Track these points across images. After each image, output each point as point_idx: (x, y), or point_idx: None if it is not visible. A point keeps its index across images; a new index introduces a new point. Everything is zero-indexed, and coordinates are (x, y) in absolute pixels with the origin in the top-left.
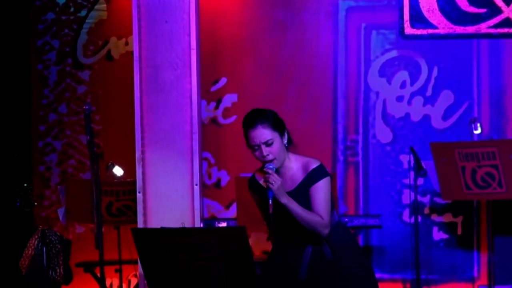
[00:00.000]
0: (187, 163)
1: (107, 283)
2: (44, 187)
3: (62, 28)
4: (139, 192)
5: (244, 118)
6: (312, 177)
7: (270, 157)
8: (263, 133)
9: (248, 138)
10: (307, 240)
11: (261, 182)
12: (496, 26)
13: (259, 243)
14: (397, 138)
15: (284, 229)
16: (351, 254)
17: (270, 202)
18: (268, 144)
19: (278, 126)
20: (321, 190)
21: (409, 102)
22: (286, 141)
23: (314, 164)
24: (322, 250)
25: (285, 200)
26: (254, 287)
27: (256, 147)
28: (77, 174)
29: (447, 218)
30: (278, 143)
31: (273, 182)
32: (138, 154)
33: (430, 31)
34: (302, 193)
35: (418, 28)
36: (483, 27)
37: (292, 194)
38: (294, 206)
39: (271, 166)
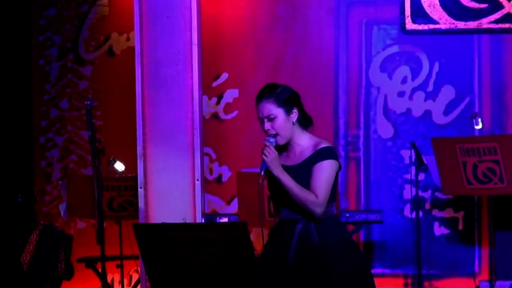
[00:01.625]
0: (189, 159)
1: (109, 278)
2: (45, 183)
3: (63, 24)
4: (140, 188)
5: (260, 90)
6: (319, 155)
7: (272, 132)
8: (266, 108)
9: (256, 110)
10: (299, 217)
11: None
12: (497, 21)
13: (260, 238)
14: (398, 133)
15: (280, 205)
16: (341, 247)
17: (262, 174)
18: (270, 118)
19: (285, 103)
20: (323, 170)
21: (410, 97)
22: (295, 119)
23: (325, 145)
24: (309, 234)
25: (278, 172)
26: (255, 282)
27: (261, 120)
28: (79, 170)
29: (448, 213)
30: (281, 119)
31: (267, 154)
32: (139, 150)
33: (431, 26)
34: (306, 168)
35: (419, 24)
36: (484, 23)
37: (296, 168)
38: (287, 180)
39: (271, 140)
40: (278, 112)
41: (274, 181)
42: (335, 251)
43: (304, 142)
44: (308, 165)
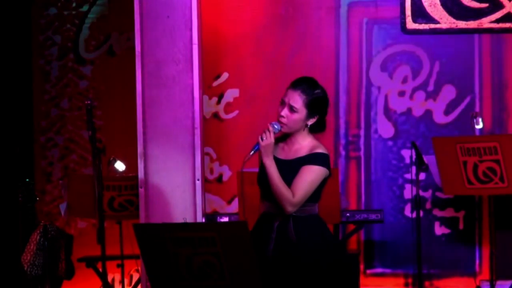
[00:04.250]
0: (189, 158)
1: (109, 278)
2: (46, 182)
3: (64, 23)
4: (141, 187)
5: (300, 77)
6: (312, 158)
7: (284, 120)
8: (295, 99)
9: (285, 93)
10: (278, 212)
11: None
12: (497, 21)
13: None
14: (399, 133)
15: (264, 197)
16: (319, 246)
17: (251, 153)
18: (291, 109)
19: (313, 107)
20: (310, 173)
21: (411, 97)
22: (310, 123)
23: (321, 150)
24: (287, 231)
25: (268, 160)
26: (256, 282)
27: (282, 103)
28: (79, 169)
29: (448, 213)
30: (298, 116)
31: (265, 138)
32: (140, 149)
33: (432, 26)
34: (296, 166)
35: (420, 23)
36: (485, 22)
37: (287, 163)
38: (273, 170)
39: (276, 126)
40: (301, 109)
41: (262, 173)
42: (313, 249)
43: (305, 143)
44: (299, 164)
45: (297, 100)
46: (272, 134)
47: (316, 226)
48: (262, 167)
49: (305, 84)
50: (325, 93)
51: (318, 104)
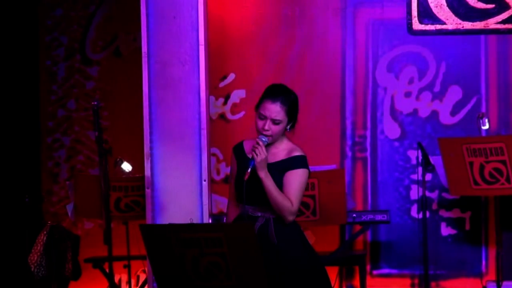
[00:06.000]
0: (196, 159)
1: (116, 278)
2: (52, 183)
3: (70, 24)
4: (147, 188)
5: (270, 86)
6: (293, 162)
7: (269, 133)
8: (277, 112)
9: (261, 105)
10: (259, 215)
11: (246, 150)
12: (504, 21)
13: None
14: (405, 134)
15: (242, 200)
16: (299, 248)
17: (248, 170)
18: (275, 122)
19: (292, 113)
20: (299, 178)
21: (417, 98)
22: (289, 127)
23: (299, 153)
24: (268, 233)
25: (263, 174)
26: (263, 283)
27: (263, 117)
28: (86, 170)
29: (455, 213)
30: (282, 126)
31: (258, 154)
32: (146, 150)
33: (438, 26)
34: (277, 170)
35: (426, 24)
36: (491, 23)
37: (271, 165)
38: (270, 183)
39: (264, 139)
40: (284, 120)
41: (240, 178)
42: (294, 253)
43: (281, 146)
44: (280, 168)
45: (279, 112)
46: (264, 149)
47: (294, 229)
48: (240, 172)
49: (282, 95)
50: (295, 93)
51: (295, 108)
